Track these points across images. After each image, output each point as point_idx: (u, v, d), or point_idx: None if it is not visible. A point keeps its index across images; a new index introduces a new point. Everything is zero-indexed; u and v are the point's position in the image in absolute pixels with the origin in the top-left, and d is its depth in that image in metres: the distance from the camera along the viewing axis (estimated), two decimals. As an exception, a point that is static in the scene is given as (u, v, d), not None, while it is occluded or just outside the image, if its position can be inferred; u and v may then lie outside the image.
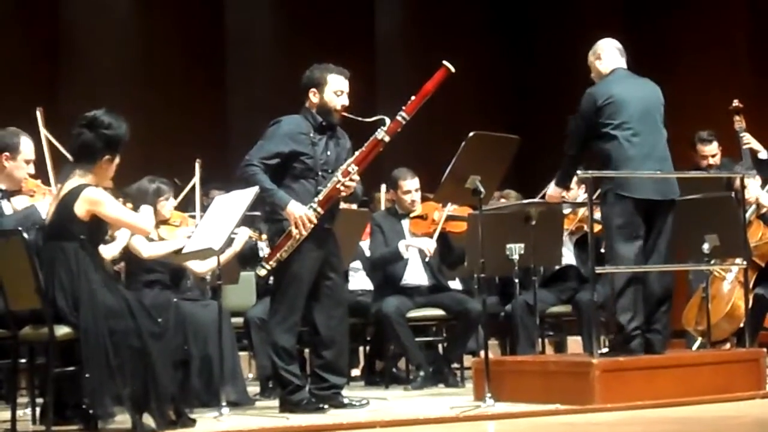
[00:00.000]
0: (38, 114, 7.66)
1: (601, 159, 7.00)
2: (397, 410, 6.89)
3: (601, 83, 7.12)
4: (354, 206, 8.50)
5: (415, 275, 8.41)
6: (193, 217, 7.96)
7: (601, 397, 6.60)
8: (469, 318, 8.19)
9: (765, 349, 7.32)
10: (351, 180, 6.83)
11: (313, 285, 6.84)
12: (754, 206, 8.28)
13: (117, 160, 6.23)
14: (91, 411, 5.97)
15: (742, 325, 8.03)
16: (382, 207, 9.56)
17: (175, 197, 7.95)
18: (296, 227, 6.71)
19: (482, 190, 6.92)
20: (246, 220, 7.01)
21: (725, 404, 6.74)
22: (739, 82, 12.04)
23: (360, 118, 6.85)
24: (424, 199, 8.54)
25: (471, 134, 7.04)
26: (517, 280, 7.74)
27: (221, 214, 6.71)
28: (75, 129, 6.20)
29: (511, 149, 7.28)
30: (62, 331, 5.95)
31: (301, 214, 6.70)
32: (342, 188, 6.83)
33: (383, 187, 9.64)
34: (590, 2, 13.68)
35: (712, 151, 9.37)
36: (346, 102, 6.92)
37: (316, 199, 6.78)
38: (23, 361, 6.41)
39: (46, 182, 7.01)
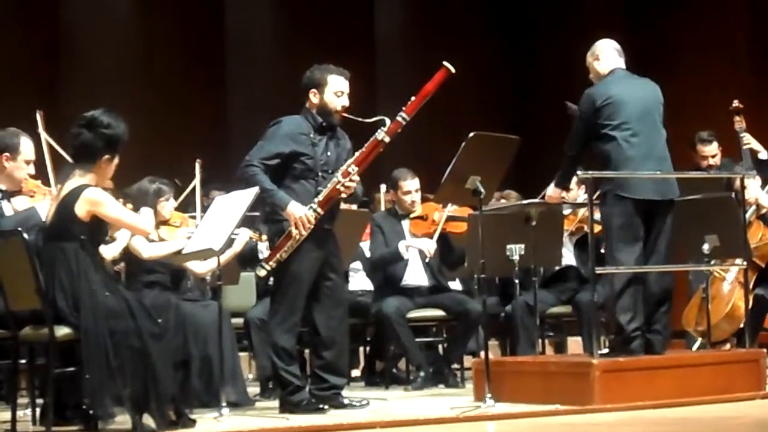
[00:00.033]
0: (38, 117, 7.66)
1: (601, 160, 7.00)
2: (397, 411, 6.89)
3: (600, 84, 7.12)
4: (354, 207, 8.51)
5: (416, 276, 8.41)
6: (194, 217, 7.96)
7: (601, 398, 6.60)
8: (470, 318, 8.19)
9: (765, 350, 7.32)
10: (351, 180, 6.83)
11: (313, 285, 6.84)
12: (754, 207, 8.28)
13: (116, 160, 6.23)
14: (91, 411, 5.97)
15: (742, 325, 8.03)
16: (382, 207, 9.56)
17: (176, 198, 7.95)
18: (296, 228, 6.71)
19: (482, 190, 6.92)
20: (245, 221, 7.00)
21: (725, 405, 6.74)
22: (739, 82, 12.04)
23: (360, 119, 6.85)
24: (424, 200, 8.54)
25: (471, 135, 7.04)
26: (517, 281, 7.74)
27: (221, 215, 6.71)
28: (74, 129, 6.20)
29: (511, 149, 7.28)
30: (62, 331, 5.95)
31: (301, 214, 6.70)
32: (342, 189, 6.83)
33: (383, 187, 9.65)
34: (590, 2, 13.68)
35: (712, 151, 9.37)
36: (347, 103, 6.92)
37: (316, 200, 6.78)
38: (23, 361, 6.41)
39: (47, 184, 7.02)
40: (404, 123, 6.87)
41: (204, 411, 6.69)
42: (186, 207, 8.38)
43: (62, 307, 5.97)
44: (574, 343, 9.13)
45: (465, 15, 14.02)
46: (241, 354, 8.00)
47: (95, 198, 6.07)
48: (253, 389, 7.95)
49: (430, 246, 8.29)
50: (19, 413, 6.35)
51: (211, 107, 12.78)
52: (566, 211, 8.51)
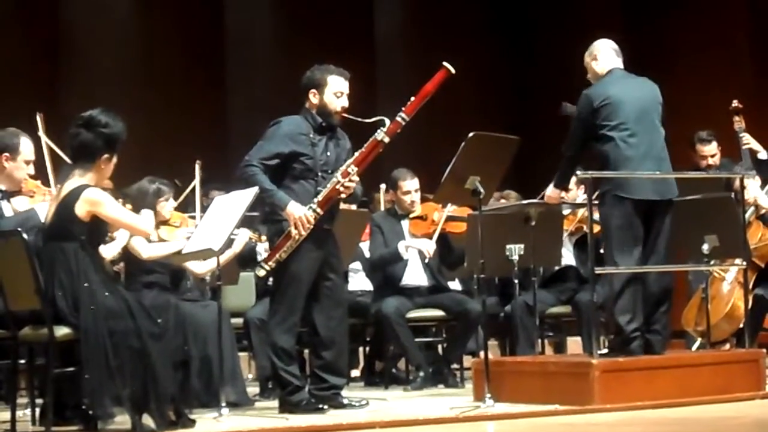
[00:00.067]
0: (38, 120, 7.67)
1: (600, 160, 7.00)
2: (396, 411, 6.89)
3: (598, 84, 7.11)
4: (353, 207, 8.51)
5: (415, 276, 8.41)
6: (193, 217, 7.96)
7: (600, 398, 6.60)
8: (469, 318, 8.20)
9: (764, 350, 7.32)
10: (351, 181, 6.83)
11: (313, 285, 6.84)
12: (753, 207, 8.28)
13: (115, 159, 6.23)
14: (90, 412, 5.97)
15: (741, 325, 8.03)
16: (382, 208, 9.56)
17: (175, 198, 7.95)
18: (295, 228, 6.71)
19: (482, 190, 6.92)
20: (244, 222, 7.00)
21: (725, 405, 6.74)
22: (739, 82, 12.04)
23: (360, 119, 6.85)
24: (423, 200, 8.54)
25: (470, 135, 7.04)
26: (516, 281, 7.73)
27: (221, 215, 6.71)
28: (72, 129, 6.19)
29: (511, 150, 7.28)
30: (62, 331, 5.95)
31: (300, 214, 6.70)
32: (342, 189, 6.83)
33: (383, 187, 9.64)
34: (590, 2, 13.68)
35: (711, 151, 9.36)
36: (346, 104, 6.92)
37: (315, 200, 6.78)
38: (23, 361, 6.40)
39: (47, 186, 7.01)
40: (404, 123, 6.87)
41: (203, 411, 6.68)
42: (186, 207, 8.38)
43: (62, 307, 5.97)
44: (574, 343, 9.14)
45: (465, 15, 14.02)
46: (241, 354, 7.99)
47: (95, 198, 6.07)
48: (253, 389, 7.95)
49: (430, 247, 8.28)
50: (19, 413, 6.35)
51: (211, 107, 12.78)
52: (566, 211, 8.51)
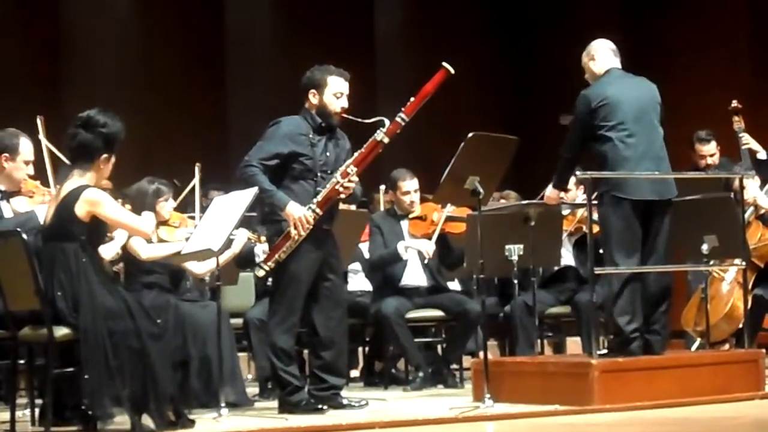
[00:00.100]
0: (39, 122, 7.67)
1: (598, 161, 7.00)
2: (396, 411, 6.89)
3: (596, 85, 7.11)
4: (353, 207, 8.51)
5: (414, 276, 8.41)
6: (193, 218, 7.96)
7: (600, 398, 6.60)
8: (468, 319, 8.19)
9: (764, 350, 7.32)
10: (350, 181, 6.83)
11: (312, 286, 6.84)
12: (752, 207, 8.28)
13: (113, 158, 6.23)
14: (90, 412, 5.96)
15: (741, 325, 8.03)
16: (381, 208, 9.56)
17: (175, 198, 7.94)
18: (295, 228, 6.71)
19: (481, 190, 6.92)
20: (243, 222, 7.00)
21: (724, 405, 6.74)
22: (739, 82, 12.04)
23: (359, 119, 6.85)
24: (423, 200, 8.53)
25: (470, 135, 7.04)
26: (516, 281, 7.72)
27: (220, 215, 6.72)
28: (70, 130, 6.19)
29: (511, 150, 7.28)
30: (61, 332, 5.95)
31: (300, 215, 6.70)
32: (341, 189, 6.83)
33: (382, 188, 9.65)
34: (590, 2, 13.68)
35: (710, 150, 9.36)
36: (346, 104, 6.92)
37: (315, 200, 6.78)
38: (22, 362, 6.40)
39: (46, 186, 7.01)
40: (403, 124, 6.87)
41: (203, 411, 6.69)
42: (185, 207, 8.38)
43: (61, 307, 5.97)
44: (573, 344, 9.14)
45: (465, 15, 14.02)
46: (240, 354, 7.99)
47: (95, 198, 6.07)
48: (252, 389, 7.95)
49: (429, 248, 8.28)
50: (18, 413, 6.34)
51: (210, 107, 12.79)
52: (565, 212, 8.51)
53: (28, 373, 6.62)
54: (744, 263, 7.50)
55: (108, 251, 7.10)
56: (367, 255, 8.66)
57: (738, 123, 8.90)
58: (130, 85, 12.18)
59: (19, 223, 6.32)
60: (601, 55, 7.16)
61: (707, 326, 7.65)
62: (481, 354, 7.08)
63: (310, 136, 6.87)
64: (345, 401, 6.90)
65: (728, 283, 8.44)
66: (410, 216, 8.50)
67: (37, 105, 7.91)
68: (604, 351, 7.05)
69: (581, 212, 8.38)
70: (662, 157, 7.06)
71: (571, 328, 8.97)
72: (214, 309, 7.09)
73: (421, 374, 8.22)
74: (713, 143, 9.35)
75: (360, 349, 9.21)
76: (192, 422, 6.11)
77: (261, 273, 6.87)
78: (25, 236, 5.96)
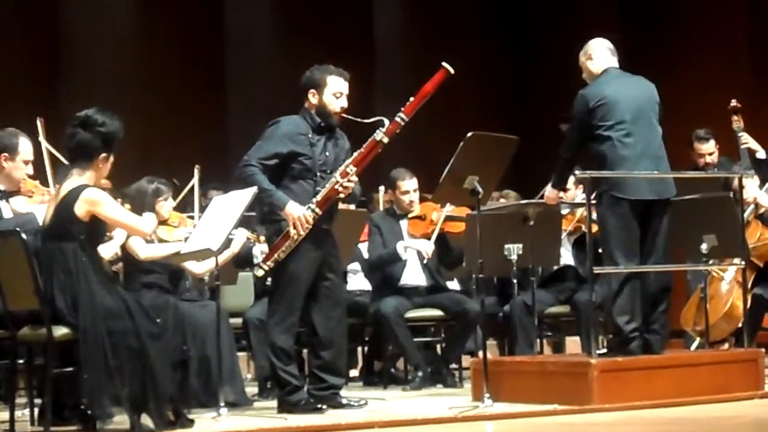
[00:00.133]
0: (39, 124, 7.66)
1: (597, 160, 7.00)
2: (395, 411, 6.90)
3: (593, 84, 7.11)
4: (352, 207, 8.51)
5: (414, 276, 8.41)
6: (192, 217, 7.96)
7: (599, 398, 6.60)
8: (468, 318, 8.20)
9: (763, 350, 7.33)
10: (349, 181, 6.83)
11: (312, 285, 6.84)
12: (752, 206, 8.28)
13: (112, 158, 6.23)
14: (89, 411, 5.98)
15: (740, 325, 8.03)
16: (381, 208, 9.56)
17: (174, 198, 7.94)
18: (294, 228, 6.71)
19: (480, 190, 6.92)
20: (242, 222, 7.00)
21: (723, 404, 6.74)
22: (739, 81, 12.04)
23: (359, 119, 6.85)
24: (422, 200, 8.54)
25: (469, 134, 7.04)
26: (515, 281, 7.73)
27: (219, 215, 6.72)
28: (69, 129, 6.19)
29: (510, 149, 7.28)
30: (61, 331, 5.95)
31: (299, 214, 6.70)
32: (340, 189, 6.83)
33: (382, 187, 9.65)
34: (590, 2, 13.68)
35: (709, 149, 9.35)
36: (345, 104, 6.92)
37: (314, 200, 6.78)
38: (21, 361, 6.40)
39: (45, 186, 7.01)
40: (403, 123, 6.88)
41: (202, 411, 6.69)
42: (184, 207, 8.38)
43: (61, 307, 5.97)
44: (573, 343, 9.14)
45: (465, 15, 14.02)
46: (240, 354, 7.99)
47: (94, 198, 6.07)
48: (252, 389, 7.95)
49: (428, 248, 8.28)
50: (18, 413, 6.34)
51: (210, 108, 12.78)
52: (564, 211, 8.51)
53: (28, 372, 6.62)
54: (743, 262, 7.51)
55: (107, 251, 7.10)
56: (366, 255, 8.66)
57: (737, 122, 8.90)
58: (129, 85, 12.18)
59: (18, 225, 6.32)
60: (599, 55, 7.16)
61: (706, 326, 7.66)
62: (481, 353, 7.08)
63: (310, 135, 6.88)
64: (344, 401, 6.91)
65: (727, 283, 8.44)
66: (409, 216, 8.50)
67: (37, 105, 7.91)
68: (604, 350, 7.05)
69: (580, 212, 8.38)
70: (661, 156, 7.06)
71: (570, 328, 8.97)
72: (214, 309, 7.09)
73: (420, 374, 8.22)
74: (712, 142, 9.35)
75: (359, 348, 9.22)
76: (191, 422, 6.12)
77: (260, 272, 6.88)
78: (24, 236, 5.96)
